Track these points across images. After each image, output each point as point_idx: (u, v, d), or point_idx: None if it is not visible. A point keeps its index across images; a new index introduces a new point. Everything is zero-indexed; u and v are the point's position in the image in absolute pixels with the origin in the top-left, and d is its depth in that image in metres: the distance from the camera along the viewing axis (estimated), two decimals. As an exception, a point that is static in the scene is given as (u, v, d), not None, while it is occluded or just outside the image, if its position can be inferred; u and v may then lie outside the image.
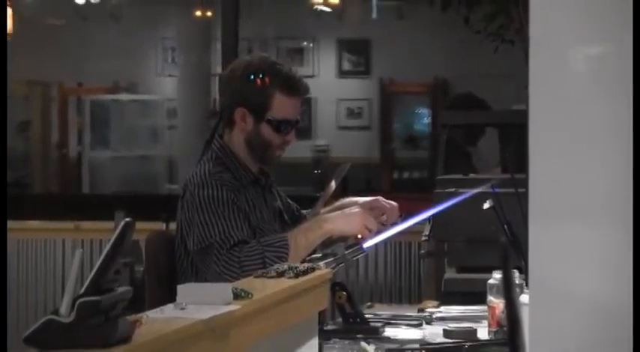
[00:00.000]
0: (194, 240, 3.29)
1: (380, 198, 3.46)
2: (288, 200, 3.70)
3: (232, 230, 3.26)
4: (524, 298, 2.14)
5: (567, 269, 1.86)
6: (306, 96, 3.59)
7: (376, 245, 3.47)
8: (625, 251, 1.85)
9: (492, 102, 6.85)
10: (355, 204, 3.45)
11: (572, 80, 1.90)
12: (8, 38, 9.55)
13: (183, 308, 2.03)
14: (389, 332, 3.35)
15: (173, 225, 3.46)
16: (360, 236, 3.34)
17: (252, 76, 3.44)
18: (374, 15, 11.57)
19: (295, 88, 3.46)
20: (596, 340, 1.83)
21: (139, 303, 1.87)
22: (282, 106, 3.42)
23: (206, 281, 3.19)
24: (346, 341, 3.17)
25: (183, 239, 3.35)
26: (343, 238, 3.46)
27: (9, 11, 9.39)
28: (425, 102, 12.32)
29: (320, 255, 3.16)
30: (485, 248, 3.46)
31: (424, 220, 3.76)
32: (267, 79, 3.42)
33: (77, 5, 11.28)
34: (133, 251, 3.31)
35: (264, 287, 2.40)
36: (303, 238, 3.32)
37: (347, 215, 3.36)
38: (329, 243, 3.42)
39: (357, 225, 3.33)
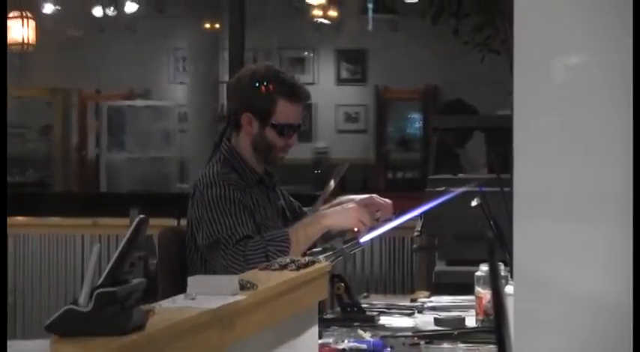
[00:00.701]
0: (203, 235, 3.29)
1: (374, 195, 3.47)
2: (291, 198, 3.70)
3: (238, 226, 3.26)
4: (509, 289, 2.14)
5: (549, 263, 1.86)
6: (308, 102, 3.59)
7: (372, 240, 3.47)
8: (603, 244, 1.85)
9: (479, 108, 6.84)
10: (352, 201, 3.46)
11: (553, 87, 1.90)
12: (31, 49, 9.58)
13: (193, 299, 2.03)
14: (383, 320, 3.35)
15: (184, 222, 3.46)
16: (356, 229, 3.35)
17: (257, 84, 3.44)
18: (370, 27, 11.57)
19: (297, 94, 3.46)
20: (576, 327, 1.83)
21: (152, 294, 1.87)
22: (285, 112, 3.42)
23: (214, 273, 3.19)
24: (344, 329, 3.17)
25: (193, 234, 3.36)
26: (341, 233, 3.47)
27: (32, 24, 9.41)
28: (417, 108, 12.32)
29: (320, 249, 3.16)
30: (473, 242, 3.47)
31: (416, 217, 3.76)
32: (271, 87, 3.42)
33: (95, 18, 11.28)
34: (146, 245, 3.31)
35: (268, 279, 2.40)
36: (303, 233, 3.32)
37: (343, 210, 3.37)
38: (328, 238, 3.42)
39: (352, 220, 3.34)
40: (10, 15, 9.38)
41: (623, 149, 1.86)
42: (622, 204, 1.85)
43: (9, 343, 1.46)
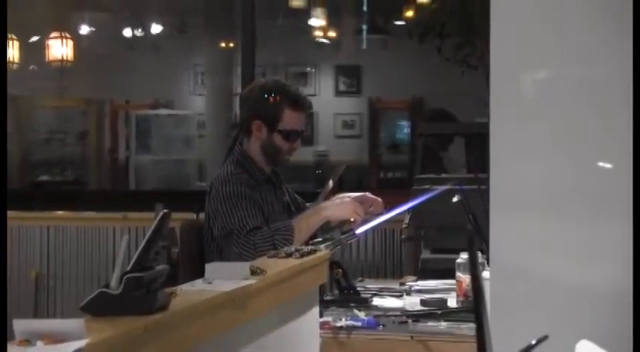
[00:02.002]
0: (218, 227, 3.29)
1: (367, 193, 3.47)
2: (295, 195, 3.70)
3: (248, 218, 3.26)
4: (485, 274, 2.13)
5: (521, 251, 1.86)
6: (310, 111, 3.58)
7: (366, 231, 3.47)
8: (566, 234, 1.85)
9: (460, 116, 6.82)
10: (347, 196, 3.46)
11: (523, 98, 1.90)
12: (69, 65, 9.58)
13: (210, 283, 2.03)
14: (376, 301, 3.35)
15: (202, 215, 3.46)
16: (352, 220, 3.35)
17: (266, 95, 3.44)
18: (364, 46, 11.58)
19: (301, 104, 3.46)
20: (543, 305, 1.83)
21: (174, 279, 1.87)
22: (290, 119, 3.42)
23: (228, 260, 3.19)
24: (342, 309, 3.17)
25: (210, 226, 3.35)
26: (339, 225, 3.47)
27: (70, 43, 9.40)
28: (405, 116, 12.30)
29: (320, 239, 3.15)
30: (454, 234, 3.46)
31: (405, 211, 3.75)
32: (278, 97, 3.42)
33: (125, 38, 11.31)
34: (169, 236, 3.31)
35: (276, 266, 2.40)
36: (305, 223, 3.32)
37: (340, 203, 3.37)
38: (328, 230, 3.42)
39: (348, 211, 3.34)
40: (51, 35, 9.39)
41: (587, 151, 1.86)
42: (584, 199, 1.85)
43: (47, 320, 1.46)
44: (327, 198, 3.57)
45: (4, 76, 1.37)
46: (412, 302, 3.31)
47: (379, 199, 3.44)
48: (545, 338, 1.22)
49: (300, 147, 3.50)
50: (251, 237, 3.22)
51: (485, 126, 1.90)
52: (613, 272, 1.82)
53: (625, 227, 1.80)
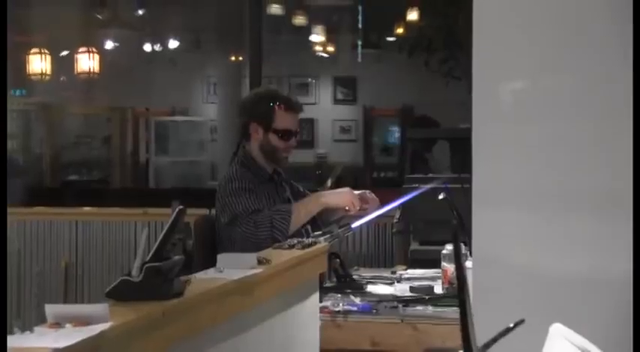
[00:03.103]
0: (225, 215, 3.30)
1: (368, 191, 3.46)
2: (298, 186, 3.67)
3: (250, 204, 3.27)
4: (468, 263, 2.13)
5: (500, 243, 1.86)
6: (302, 112, 3.58)
7: (360, 226, 3.46)
8: (540, 227, 1.85)
9: (444, 122, 6.82)
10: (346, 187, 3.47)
11: (501, 106, 1.90)
12: (95, 76, 9.58)
13: (221, 271, 2.03)
14: (370, 288, 3.34)
15: (214, 211, 3.45)
16: (347, 208, 3.35)
17: (259, 99, 3.47)
18: (359, 59, 11.58)
19: (291, 105, 3.47)
20: (519, 292, 1.83)
21: (188, 268, 1.87)
22: (282, 119, 3.43)
23: (235, 243, 3.20)
24: (339, 295, 3.16)
25: (218, 217, 3.35)
26: (337, 219, 3.47)
27: (97, 57, 9.39)
28: (396, 122, 12.29)
29: (320, 232, 3.15)
30: (440, 227, 3.45)
31: (396, 207, 3.75)
32: (270, 101, 3.44)
33: (145, 52, 11.31)
34: (185, 230, 3.30)
35: (280, 256, 2.40)
36: (304, 208, 3.32)
37: (337, 192, 3.38)
38: (327, 224, 3.42)
39: (344, 200, 3.34)
40: (80, 50, 9.38)
41: (558, 153, 1.85)
42: (555, 196, 1.85)
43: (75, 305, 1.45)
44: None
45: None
46: (402, 289, 3.31)
47: (376, 199, 3.44)
48: (522, 321, 1.21)
49: (295, 146, 3.50)
50: (252, 217, 3.23)
51: (468, 131, 1.90)
52: (582, 261, 1.82)
53: (590, 219, 1.80)
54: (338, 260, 3.35)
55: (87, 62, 9.34)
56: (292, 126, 3.46)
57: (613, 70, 1.83)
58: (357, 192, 3.42)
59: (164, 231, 1.67)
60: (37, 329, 1.38)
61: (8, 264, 5.37)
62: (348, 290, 3.23)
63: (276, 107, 3.42)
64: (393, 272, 3.66)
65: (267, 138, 3.42)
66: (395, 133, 12.41)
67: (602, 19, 1.83)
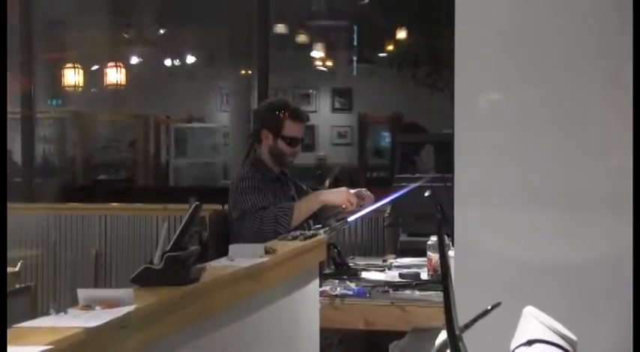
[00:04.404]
0: (236, 211, 3.30)
1: (364, 189, 3.46)
2: (302, 185, 3.66)
3: (258, 201, 3.27)
4: (451, 253, 2.13)
5: (479, 234, 1.85)
6: (308, 122, 3.58)
7: (356, 220, 3.46)
8: (514, 220, 1.85)
9: (430, 128, 6.82)
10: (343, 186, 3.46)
11: (480, 114, 1.90)
12: (122, 88, 9.58)
13: (232, 260, 2.02)
14: (364, 274, 3.34)
15: (226, 206, 3.45)
16: (344, 206, 3.35)
17: (271, 110, 3.46)
18: (354, 73, 11.58)
19: (299, 116, 3.47)
20: (496, 278, 1.82)
21: (204, 257, 1.87)
22: (290, 128, 3.42)
23: (244, 236, 3.19)
24: (337, 281, 3.16)
25: (230, 213, 3.35)
26: (335, 214, 3.46)
27: (123, 71, 9.39)
28: (387, 128, 12.28)
29: (320, 226, 3.15)
30: (426, 221, 3.43)
31: (387, 203, 3.75)
32: (281, 111, 3.43)
33: (166, 67, 11.30)
34: (200, 223, 3.29)
35: (285, 246, 2.40)
36: (304, 205, 3.32)
37: (335, 191, 3.38)
38: (326, 219, 3.42)
39: (342, 199, 3.34)
40: (108, 65, 9.38)
41: (531, 155, 1.86)
42: (527, 192, 1.85)
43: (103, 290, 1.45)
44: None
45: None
46: (392, 275, 3.31)
47: (371, 195, 3.44)
48: (498, 304, 1.21)
49: (300, 151, 3.50)
50: (259, 213, 3.23)
51: (450, 136, 1.90)
52: (551, 250, 1.82)
53: (557, 212, 1.81)
54: (336, 250, 3.35)
55: (115, 75, 9.35)
56: (299, 134, 3.45)
57: (578, 82, 1.83)
58: (353, 190, 3.42)
59: (182, 224, 1.67)
60: (70, 310, 1.37)
61: (47, 252, 5.37)
62: (345, 277, 3.23)
63: (286, 117, 3.41)
64: (384, 261, 3.66)
65: (276, 144, 3.41)
66: (386, 138, 12.40)
67: (569, 38, 1.84)
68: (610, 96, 1.80)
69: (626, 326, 1.78)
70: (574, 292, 1.79)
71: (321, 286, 2.88)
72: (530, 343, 1.16)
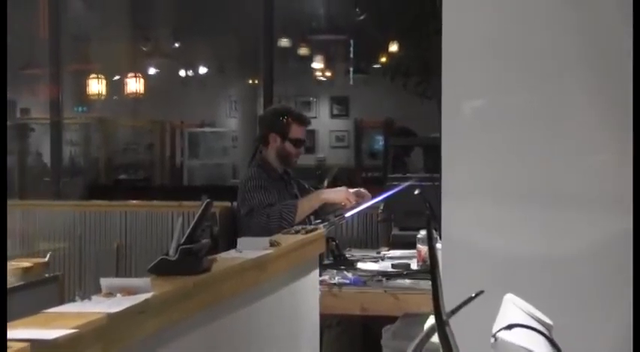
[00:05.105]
0: (245, 208, 3.30)
1: (362, 189, 3.46)
2: (304, 184, 3.67)
3: (264, 199, 3.27)
4: (438, 245, 2.12)
5: (464, 228, 1.85)
6: (310, 126, 3.61)
7: (352, 215, 3.46)
8: (496, 216, 1.85)
9: (419, 132, 6.80)
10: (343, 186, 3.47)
11: (464, 119, 1.90)
12: (140, 96, 9.57)
13: (240, 252, 2.02)
14: (360, 265, 3.34)
15: (235, 204, 3.45)
16: (343, 203, 3.35)
17: (278, 115, 3.47)
18: (351, 82, 11.58)
19: (303, 120, 3.49)
20: (481, 269, 1.82)
21: (214, 249, 1.87)
22: (296, 131, 3.43)
23: (251, 230, 3.20)
24: (335, 270, 3.16)
25: (239, 209, 3.35)
26: (334, 210, 3.46)
27: (142, 81, 9.38)
28: (380, 132, 12.25)
29: (319, 221, 3.15)
30: (416, 216, 3.45)
31: (380, 201, 3.74)
32: (287, 116, 3.44)
33: (180, 77, 11.29)
34: (211, 218, 3.29)
35: (288, 239, 2.39)
36: (307, 203, 3.32)
37: (335, 190, 3.39)
38: (326, 214, 3.41)
39: (341, 197, 3.34)
40: (128, 75, 9.38)
41: (511, 157, 1.85)
42: (507, 190, 1.85)
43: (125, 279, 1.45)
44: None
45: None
46: (385, 266, 3.31)
47: (369, 194, 3.45)
48: (481, 292, 1.21)
49: (303, 153, 3.51)
50: (266, 210, 3.23)
51: (438, 140, 1.90)
52: (531, 243, 1.82)
53: (537, 208, 1.81)
54: (334, 242, 3.35)
55: (134, 85, 9.35)
56: (303, 136, 3.48)
57: (557, 89, 1.83)
58: (353, 190, 3.42)
59: (195, 220, 1.66)
60: (94, 297, 1.37)
61: (73, 245, 5.37)
62: (342, 267, 3.22)
63: (292, 122, 3.42)
64: (378, 253, 3.66)
65: (284, 146, 3.42)
66: (379, 141, 12.38)
67: (549, 49, 1.83)
68: (588, 101, 1.80)
69: (598, 311, 1.78)
70: (550, 281, 1.79)
71: (320, 275, 2.88)
72: (510, 327, 1.16)
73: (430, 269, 1.22)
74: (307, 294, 2.58)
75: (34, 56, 8.64)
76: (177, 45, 10.79)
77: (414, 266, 3.22)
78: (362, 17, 8.89)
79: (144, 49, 10.47)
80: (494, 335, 1.15)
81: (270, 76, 6.38)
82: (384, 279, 3.01)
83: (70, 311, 1.26)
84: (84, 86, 9.42)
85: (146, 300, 1.36)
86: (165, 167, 11.67)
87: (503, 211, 1.83)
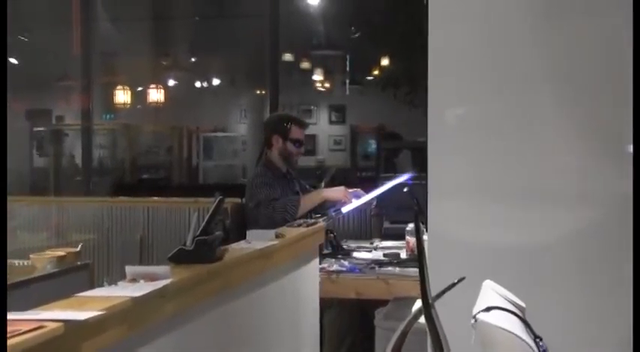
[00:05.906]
0: (252, 202, 3.29)
1: (359, 189, 3.46)
2: (306, 185, 3.67)
3: (270, 194, 3.27)
4: (425, 237, 2.12)
5: (448, 222, 1.85)
6: (309, 130, 3.63)
7: (348, 210, 3.46)
8: (477, 211, 1.84)
9: (407, 136, 6.80)
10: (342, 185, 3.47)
11: (448, 125, 1.89)
12: (161, 105, 9.56)
13: (249, 243, 2.02)
14: (355, 254, 3.34)
15: (244, 200, 3.44)
16: (342, 200, 3.35)
17: (280, 120, 3.48)
18: (347, 92, 11.59)
19: (302, 123, 3.51)
20: (463, 258, 1.82)
21: (226, 241, 1.87)
22: (296, 132, 3.44)
23: (259, 223, 3.19)
24: (333, 259, 3.16)
25: (248, 204, 3.34)
26: (332, 205, 3.46)
27: (162, 91, 9.37)
28: (373, 137, 12.25)
29: (319, 215, 3.15)
30: (405, 211, 3.44)
31: (374, 197, 3.74)
32: (287, 120, 3.45)
33: (196, 87, 11.28)
34: (224, 213, 3.29)
35: (291, 231, 2.39)
36: (309, 200, 3.32)
37: (335, 189, 3.39)
38: (325, 209, 3.41)
39: (340, 195, 3.34)
40: (150, 86, 9.38)
41: (490, 157, 1.85)
42: (485, 189, 1.84)
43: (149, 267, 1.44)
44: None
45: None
46: (378, 255, 3.31)
47: (365, 194, 3.44)
48: (463, 278, 1.20)
49: (303, 153, 3.52)
50: (272, 204, 3.23)
51: (424, 143, 1.89)
52: (508, 235, 1.81)
53: (513, 203, 1.81)
54: (332, 234, 3.35)
55: (155, 95, 9.35)
56: (302, 137, 3.48)
57: (529, 99, 1.83)
58: (351, 190, 3.42)
59: (209, 214, 1.66)
60: (120, 283, 1.37)
61: (101, 236, 5.36)
62: (340, 256, 3.22)
63: (292, 124, 3.43)
64: (372, 243, 3.66)
65: (285, 146, 3.42)
66: (373, 144, 12.37)
67: (523, 62, 1.83)
68: (557, 109, 1.80)
69: (566, 294, 1.78)
70: (525, 269, 1.78)
71: (320, 264, 2.88)
72: (488, 309, 1.16)
73: (418, 258, 1.21)
74: (308, 280, 2.58)
75: (68, 70, 8.65)
76: (193, 59, 10.81)
77: (403, 255, 3.22)
78: (357, 35, 8.89)
79: (164, 63, 10.48)
80: (474, 317, 1.15)
81: (276, 87, 6.38)
82: (376, 267, 3.01)
83: (98, 295, 1.26)
84: (111, 96, 9.44)
85: (166, 286, 1.36)
86: (183, 167, 11.66)
87: (483, 206, 1.83)
